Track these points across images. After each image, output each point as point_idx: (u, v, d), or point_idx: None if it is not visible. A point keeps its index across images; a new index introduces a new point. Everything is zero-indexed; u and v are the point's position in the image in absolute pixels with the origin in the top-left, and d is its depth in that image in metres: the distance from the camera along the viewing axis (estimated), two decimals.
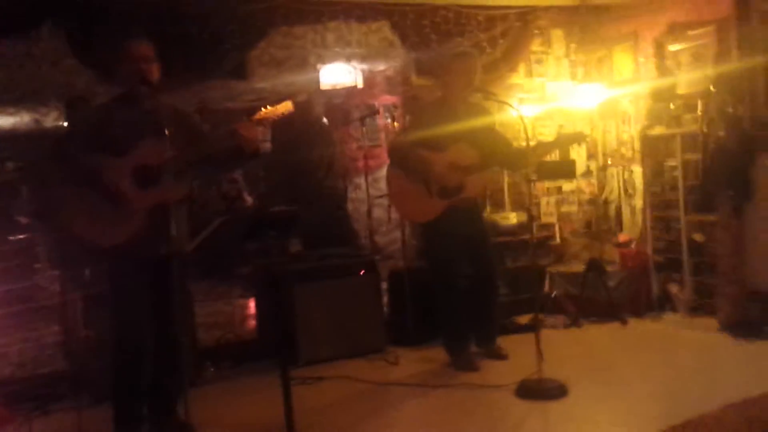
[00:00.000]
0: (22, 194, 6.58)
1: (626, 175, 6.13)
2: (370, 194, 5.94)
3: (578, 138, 4.63)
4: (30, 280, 6.05)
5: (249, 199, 8.22)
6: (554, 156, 6.09)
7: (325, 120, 6.79)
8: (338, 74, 6.56)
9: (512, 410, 3.88)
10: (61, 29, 4.68)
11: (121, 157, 3.54)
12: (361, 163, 6.96)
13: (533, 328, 4.31)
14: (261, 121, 3.63)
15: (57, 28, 4.68)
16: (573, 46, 6.41)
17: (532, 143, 4.46)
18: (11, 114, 5.03)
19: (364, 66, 6.33)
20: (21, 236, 6.39)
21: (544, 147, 4.75)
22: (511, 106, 4.48)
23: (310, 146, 6.26)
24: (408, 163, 4.57)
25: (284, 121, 6.03)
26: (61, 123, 5.33)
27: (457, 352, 4.75)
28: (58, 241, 5.44)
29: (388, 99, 7.21)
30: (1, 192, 6.43)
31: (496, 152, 4.56)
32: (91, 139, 3.56)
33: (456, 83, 4.57)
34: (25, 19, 4.53)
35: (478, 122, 4.56)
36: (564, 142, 4.66)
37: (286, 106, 3.64)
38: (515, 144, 4.96)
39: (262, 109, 3.63)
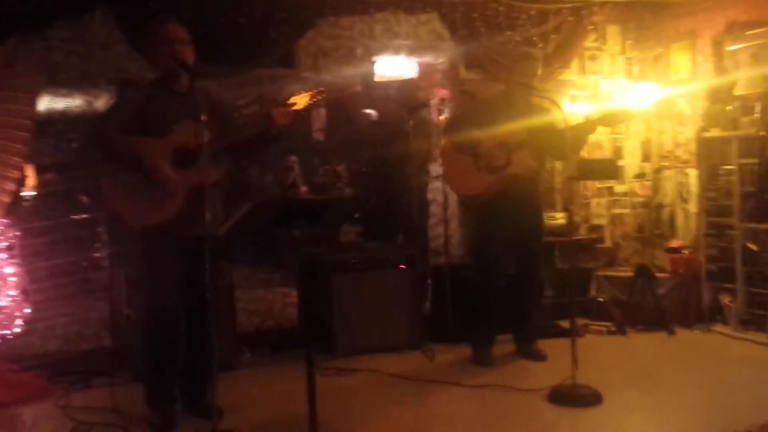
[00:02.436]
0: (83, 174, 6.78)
1: (681, 179, 5.93)
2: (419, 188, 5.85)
3: (626, 116, 4.54)
4: (85, 258, 6.20)
5: (303, 189, 8.25)
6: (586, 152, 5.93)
7: (372, 112, 6.75)
8: (393, 66, 6.53)
9: (542, 415, 3.80)
10: (113, 14, 4.79)
11: (161, 139, 3.59)
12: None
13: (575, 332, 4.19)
14: (295, 106, 3.67)
15: (109, 13, 4.79)
16: (629, 43, 6.22)
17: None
18: (63, 96, 5.18)
19: (415, 58, 6.27)
20: (82, 215, 6.54)
21: (590, 124, 4.63)
22: (554, 102, 4.37)
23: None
24: (459, 138, 4.64)
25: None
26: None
27: (478, 344, 4.77)
28: (107, 221, 5.58)
29: (442, 93, 7.13)
30: (66, 172, 6.61)
31: (544, 132, 4.52)
32: (129, 121, 3.61)
33: (516, 83, 4.61)
34: (78, 4, 4.65)
35: (536, 120, 4.52)
36: (610, 120, 4.57)
37: (319, 92, 3.68)
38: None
39: (297, 95, 3.67)
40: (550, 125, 4.55)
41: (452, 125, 4.91)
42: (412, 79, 6.63)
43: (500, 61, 5.48)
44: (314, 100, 3.72)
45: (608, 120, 4.63)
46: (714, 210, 5.51)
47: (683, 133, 5.92)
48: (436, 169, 6.04)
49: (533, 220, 4.76)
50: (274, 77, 5.73)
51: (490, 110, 4.73)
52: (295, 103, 3.69)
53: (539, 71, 4.70)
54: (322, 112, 7.64)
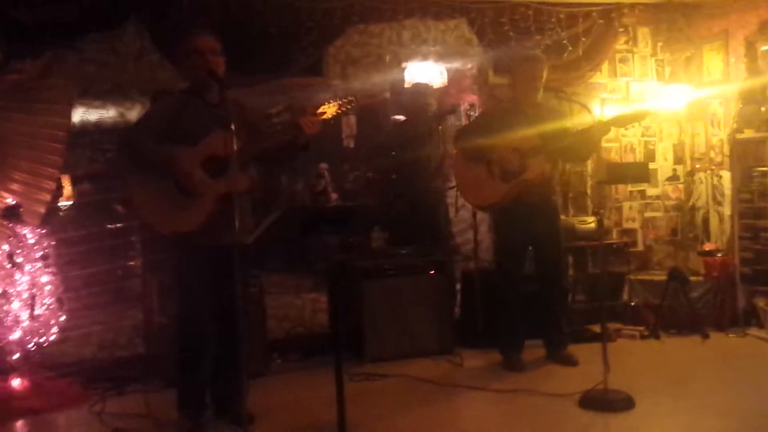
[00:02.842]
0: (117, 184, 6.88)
1: (715, 181, 5.85)
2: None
3: (640, 116, 4.52)
4: (119, 266, 6.30)
5: (334, 196, 8.28)
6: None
7: (401, 118, 6.75)
8: (423, 72, 6.54)
9: (572, 420, 3.77)
10: (145, 25, 4.87)
11: (192, 148, 3.63)
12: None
13: (607, 337, 4.18)
14: (324, 115, 3.69)
15: (140, 24, 4.88)
16: (660, 44, 6.15)
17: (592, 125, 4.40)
18: (97, 107, 5.28)
19: (444, 64, 6.27)
20: (117, 225, 6.64)
21: (602, 125, 4.57)
22: (582, 105, 4.34)
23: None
24: (471, 147, 4.63)
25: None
26: None
27: (507, 350, 4.75)
28: (140, 230, 5.67)
29: (471, 98, 7.12)
30: (100, 182, 6.72)
31: (558, 137, 4.48)
32: (161, 130, 3.66)
33: (522, 87, 4.60)
34: (109, 16, 4.74)
35: (548, 125, 4.48)
36: (624, 120, 4.54)
37: (348, 102, 3.69)
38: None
39: (325, 104, 3.69)
40: (561, 128, 4.52)
41: (461, 134, 4.85)
42: (441, 85, 6.63)
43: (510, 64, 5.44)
44: (343, 109, 3.75)
45: (619, 121, 4.61)
46: (748, 212, 5.42)
47: (716, 135, 5.84)
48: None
49: (550, 224, 4.71)
50: (303, 86, 5.77)
51: (499, 117, 4.69)
52: (324, 113, 3.72)
53: (544, 73, 4.59)
54: (352, 119, 7.68)
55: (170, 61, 4.96)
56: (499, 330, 4.83)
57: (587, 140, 4.41)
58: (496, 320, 4.85)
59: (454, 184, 5.26)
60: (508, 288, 4.72)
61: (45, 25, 4.55)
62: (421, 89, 6.02)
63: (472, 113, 6.62)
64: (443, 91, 6.94)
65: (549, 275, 4.73)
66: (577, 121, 4.63)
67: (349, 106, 3.76)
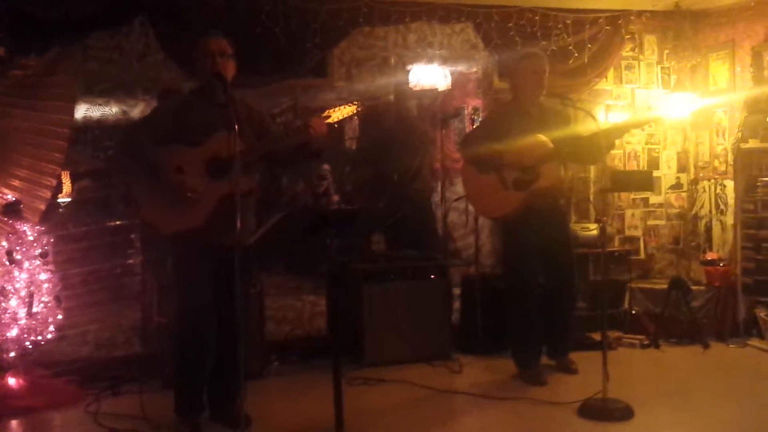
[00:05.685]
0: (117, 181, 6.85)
1: (718, 190, 5.83)
2: (447, 197, 5.85)
3: (648, 121, 4.51)
4: (118, 264, 6.27)
5: (335, 197, 8.26)
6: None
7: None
8: (428, 75, 6.52)
9: (571, 429, 3.75)
10: (151, 25, 4.85)
11: (196, 148, 3.62)
12: (438, 166, 6.84)
13: (607, 345, 4.15)
14: (329, 119, 3.68)
15: (147, 23, 4.86)
16: (666, 52, 6.13)
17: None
18: (100, 104, 5.27)
19: (449, 67, 6.26)
20: (116, 222, 6.62)
21: (614, 130, 4.52)
22: (586, 111, 4.31)
23: (403, 147, 6.21)
24: (480, 156, 4.50)
25: (376, 120, 6.05)
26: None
27: (526, 363, 4.63)
28: (140, 228, 5.65)
29: (475, 102, 7.11)
30: (101, 179, 6.70)
31: (568, 142, 4.40)
32: (164, 131, 3.65)
33: (525, 85, 4.50)
34: (116, 14, 4.71)
35: (552, 126, 4.43)
36: (633, 124, 4.54)
37: (351, 109, 3.68)
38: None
39: (333, 110, 3.68)
40: (571, 132, 4.46)
41: (467, 142, 4.76)
42: (440, 90, 6.61)
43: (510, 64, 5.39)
44: (348, 114, 3.73)
45: (631, 125, 4.62)
46: (751, 222, 5.40)
47: (721, 144, 5.83)
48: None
49: (560, 230, 4.64)
50: (307, 87, 5.76)
51: (504, 120, 4.55)
52: (329, 116, 3.70)
53: (546, 68, 4.50)
54: (355, 120, 7.67)
55: (174, 61, 4.94)
56: (513, 341, 4.70)
57: (596, 144, 4.35)
58: (509, 331, 4.69)
59: (463, 194, 5.19)
60: (523, 297, 4.56)
61: (54, 20, 4.50)
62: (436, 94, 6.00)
63: (475, 117, 6.61)
64: (447, 94, 6.93)
65: (559, 282, 4.62)
66: (582, 126, 4.59)
67: (353, 113, 3.75)
